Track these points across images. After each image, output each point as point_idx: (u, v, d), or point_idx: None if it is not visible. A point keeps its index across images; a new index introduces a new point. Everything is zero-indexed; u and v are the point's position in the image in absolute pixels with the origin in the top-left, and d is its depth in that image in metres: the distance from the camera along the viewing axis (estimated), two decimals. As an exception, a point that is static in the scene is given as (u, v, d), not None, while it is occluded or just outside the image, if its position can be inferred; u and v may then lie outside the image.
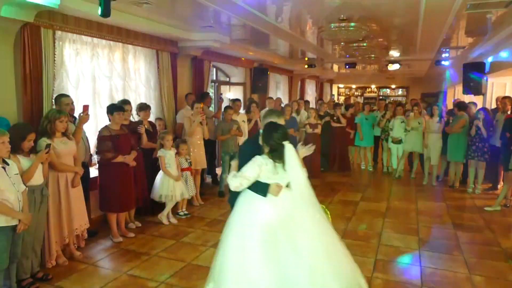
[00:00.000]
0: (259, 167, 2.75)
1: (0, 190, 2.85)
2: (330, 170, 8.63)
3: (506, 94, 7.83)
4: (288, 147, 2.80)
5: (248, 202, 2.83)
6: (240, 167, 2.84)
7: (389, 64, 9.93)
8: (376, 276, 3.72)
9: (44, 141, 3.61)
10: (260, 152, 2.82)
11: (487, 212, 5.80)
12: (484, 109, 6.86)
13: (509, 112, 6.46)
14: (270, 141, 2.78)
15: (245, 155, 2.88)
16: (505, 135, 6.00)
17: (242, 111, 7.72)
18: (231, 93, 9.73)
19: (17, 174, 3.07)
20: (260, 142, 2.86)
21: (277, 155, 2.77)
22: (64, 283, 3.53)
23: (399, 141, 8.03)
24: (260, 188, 2.78)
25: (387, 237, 4.75)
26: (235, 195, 2.90)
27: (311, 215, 2.83)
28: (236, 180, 2.75)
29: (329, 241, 2.85)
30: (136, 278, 3.64)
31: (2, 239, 2.90)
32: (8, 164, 2.98)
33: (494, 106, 7.72)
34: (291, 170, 2.79)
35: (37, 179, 3.41)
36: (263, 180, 2.77)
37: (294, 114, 8.37)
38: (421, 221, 5.38)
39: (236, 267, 2.71)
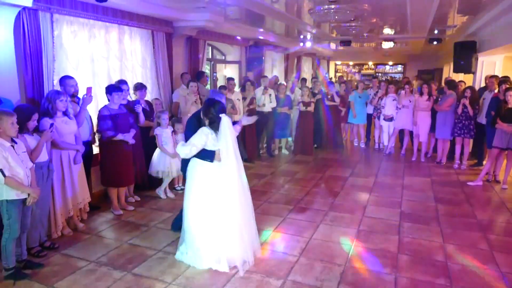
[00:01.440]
0: (206, 136, 3.34)
1: (11, 166, 3.10)
2: (323, 147, 8.90)
3: (495, 73, 8.01)
4: (224, 119, 3.35)
5: (198, 169, 3.45)
6: (186, 138, 3.47)
7: (383, 42, 10.03)
8: (357, 244, 4.05)
9: (46, 121, 3.84)
10: (201, 125, 3.45)
11: (469, 187, 6.11)
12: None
13: (496, 91, 6.66)
14: (208, 114, 3.37)
15: (190, 128, 3.51)
16: (491, 113, 6.23)
17: (237, 89, 7.91)
18: (228, 70, 9.87)
19: (25, 152, 3.31)
20: (202, 116, 3.45)
21: (216, 126, 3.36)
22: (69, 251, 3.85)
23: (390, 119, 8.27)
24: (207, 155, 3.39)
25: (371, 210, 5.06)
26: (185, 164, 3.58)
27: (240, 179, 3.49)
28: (186, 148, 3.34)
29: (248, 204, 3.58)
30: (136, 247, 3.96)
31: (14, 211, 3.18)
32: (16, 143, 3.23)
33: (483, 84, 7.92)
34: (223, 139, 3.35)
35: (43, 156, 3.66)
36: (209, 148, 3.37)
37: (288, 93, 8.56)
38: (405, 195, 5.69)
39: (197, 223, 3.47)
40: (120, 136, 4.58)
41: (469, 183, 6.23)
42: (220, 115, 3.37)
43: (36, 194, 3.29)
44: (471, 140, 7.14)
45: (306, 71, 14.71)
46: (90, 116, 4.77)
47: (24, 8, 4.01)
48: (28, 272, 3.40)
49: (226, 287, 3.23)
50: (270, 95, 7.92)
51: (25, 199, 3.25)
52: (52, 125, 3.74)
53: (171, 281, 3.31)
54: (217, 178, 3.43)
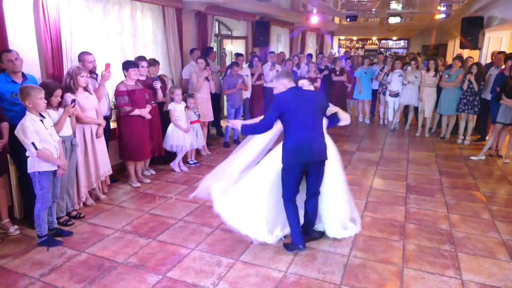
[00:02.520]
0: None
1: (41, 140, 3.27)
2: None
3: (502, 49, 8.06)
4: None
5: None
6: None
7: (390, 17, 9.99)
8: (366, 214, 4.27)
9: (69, 96, 3.97)
10: None
11: (472, 161, 6.31)
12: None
13: (502, 67, 6.74)
14: None
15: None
16: (496, 89, 6.35)
17: (245, 65, 7.97)
18: (231, 46, 9.88)
19: (52, 126, 3.47)
20: None
21: None
22: (95, 220, 4.08)
23: (396, 95, 8.37)
24: None
25: (378, 183, 5.28)
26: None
27: None
28: None
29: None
30: (157, 216, 4.18)
31: (46, 181, 3.37)
32: (44, 118, 3.38)
33: (489, 60, 7.98)
34: None
35: (67, 131, 3.81)
36: None
37: (294, 68, 8.62)
38: (410, 168, 5.89)
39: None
40: (137, 111, 4.72)
41: (472, 158, 6.42)
42: None
43: (65, 166, 3.48)
44: (475, 116, 7.29)
45: (311, 46, 14.64)
46: (107, 92, 4.89)
47: (43, -15, 4.07)
48: (60, 239, 3.62)
49: (245, 254, 3.45)
50: (277, 70, 7.99)
51: (55, 170, 3.43)
52: (74, 100, 3.88)
53: (194, 247, 3.54)
54: None
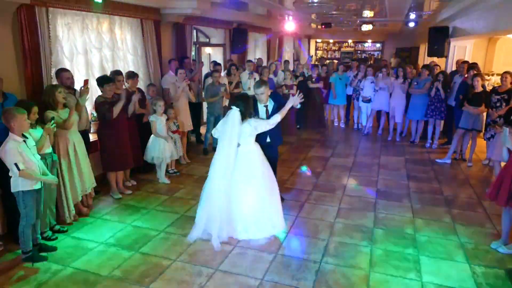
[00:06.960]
0: None
1: (25, 160, 3.37)
2: (306, 127, 9.33)
3: (466, 56, 8.54)
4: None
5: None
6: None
7: (363, 25, 10.37)
8: (338, 221, 4.55)
9: (50, 112, 4.07)
10: None
11: (438, 164, 6.70)
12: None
13: (466, 76, 7.17)
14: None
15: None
16: (459, 96, 6.76)
17: (222, 73, 8.15)
18: (209, 49, 10.02)
19: (35, 145, 3.58)
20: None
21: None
22: (78, 234, 4.19)
23: (368, 100, 8.74)
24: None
25: (350, 189, 5.58)
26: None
27: None
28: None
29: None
30: (140, 228, 4.33)
31: (30, 199, 3.47)
32: (27, 138, 3.48)
33: (455, 68, 8.43)
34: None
35: (47, 148, 3.91)
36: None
37: (271, 75, 8.85)
38: (381, 173, 6.23)
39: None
40: (119, 104, 4.73)
41: (438, 160, 6.82)
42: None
43: (55, 180, 3.66)
44: (442, 121, 7.72)
45: (288, 50, 14.93)
46: (86, 107, 4.97)
47: (22, 4, 4.14)
48: (44, 254, 3.73)
49: (224, 263, 3.66)
50: (255, 79, 8.20)
51: (39, 188, 3.55)
52: (52, 118, 3.96)
53: (175, 258, 3.72)
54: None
